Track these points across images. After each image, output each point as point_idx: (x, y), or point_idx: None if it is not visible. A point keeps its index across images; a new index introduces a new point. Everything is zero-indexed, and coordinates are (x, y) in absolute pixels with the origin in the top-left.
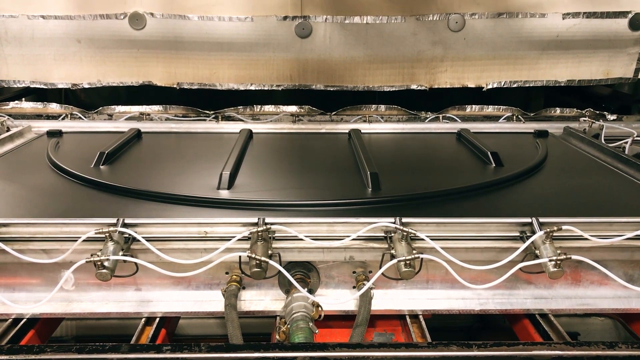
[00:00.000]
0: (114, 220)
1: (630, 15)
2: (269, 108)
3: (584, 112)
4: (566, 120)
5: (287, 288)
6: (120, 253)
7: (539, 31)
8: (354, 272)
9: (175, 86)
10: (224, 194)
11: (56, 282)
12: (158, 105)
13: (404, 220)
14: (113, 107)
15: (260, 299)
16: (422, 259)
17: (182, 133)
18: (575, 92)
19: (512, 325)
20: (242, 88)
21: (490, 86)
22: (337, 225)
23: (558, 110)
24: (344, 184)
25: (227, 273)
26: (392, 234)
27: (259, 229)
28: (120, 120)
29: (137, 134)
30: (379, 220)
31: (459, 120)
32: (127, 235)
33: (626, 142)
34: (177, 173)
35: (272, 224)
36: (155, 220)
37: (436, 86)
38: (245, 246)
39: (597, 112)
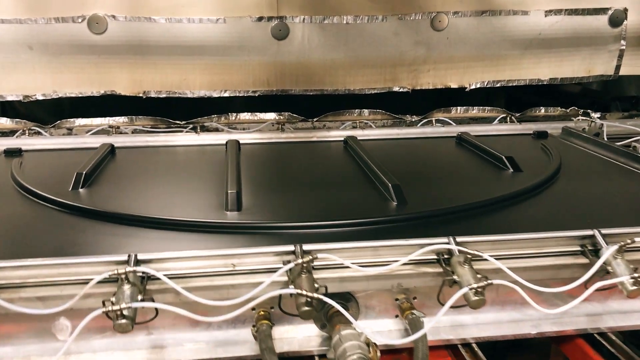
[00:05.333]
0: (123, 257)
1: (610, 12)
2: (245, 116)
3: (568, 110)
4: (553, 120)
5: (324, 322)
6: (140, 297)
7: (521, 29)
8: (396, 300)
9: (141, 95)
10: (235, 216)
11: (49, 332)
12: (123, 117)
13: (459, 239)
14: (72, 120)
15: (292, 337)
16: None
17: (161, 147)
18: (541, 90)
19: (561, 346)
20: (215, 95)
21: (473, 86)
22: (383, 249)
23: (542, 110)
24: (362, 199)
25: (253, 309)
26: (448, 256)
27: (305, 259)
28: (87, 135)
29: (111, 150)
30: (432, 241)
31: (453, 124)
32: (141, 274)
33: (637, 141)
34: (170, 194)
35: (315, 251)
36: (173, 254)
37: (419, 88)
38: (278, 279)
39: (581, 110)
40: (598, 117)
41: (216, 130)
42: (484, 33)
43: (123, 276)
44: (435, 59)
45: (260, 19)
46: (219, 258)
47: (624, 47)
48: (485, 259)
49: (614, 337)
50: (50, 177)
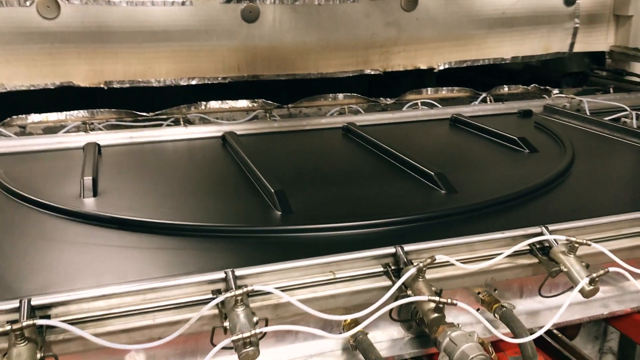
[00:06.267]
0: (219, 275)
1: None
2: (215, 104)
3: (529, 88)
4: (520, 98)
5: (411, 323)
6: (255, 319)
7: (486, 9)
8: (478, 293)
9: (102, 86)
10: (294, 219)
11: None
12: (82, 111)
13: (552, 227)
14: (23, 116)
15: (378, 341)
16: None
17: (149, 143)
18: (481, 67)
19: (614, 323)
20: (182, 83)
21: (441, 67)
22: (478, 244)
23: (506, 88)
24: (408, 191)
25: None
26: (540, 245)
27: (426, 262)
28: (60, 134)
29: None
30: (527, 232)
31: (439, 105)
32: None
33: (625, 116)
34: (198, 197)
35: (417, 251)
36: (272, 267)
37: (390, 70)
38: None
39: (542, 87)
40: (557, 93)
41: (202, 122)
42: (451, 13)
43: (239, 298)
44: (406, 40)
45: (229, 1)
46: (317, 267)
47: (577, 25)
48: (588, 245)
49: None
50: (43, 184)
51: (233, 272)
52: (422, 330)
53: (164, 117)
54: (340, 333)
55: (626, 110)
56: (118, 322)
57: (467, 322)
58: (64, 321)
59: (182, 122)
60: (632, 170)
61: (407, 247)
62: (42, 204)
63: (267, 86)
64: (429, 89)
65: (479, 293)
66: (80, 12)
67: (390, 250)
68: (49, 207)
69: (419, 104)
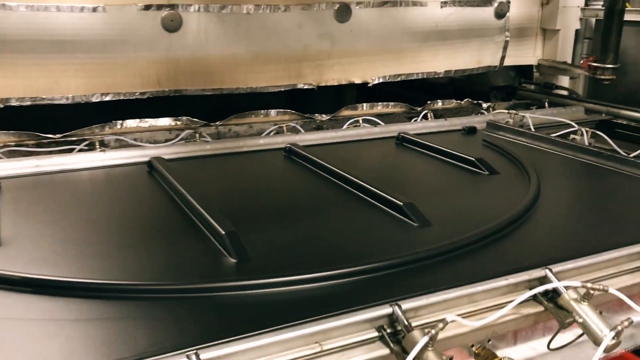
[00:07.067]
0: None
1: (495, 4)
2: (132, 123)
3: (462, 102)
4: (454, 113)
5: None
6: None
7: (420, 21)
8: (471, 346)
9: None
10: (254, 269)
11: None
12: None
13: (555, 269)
14: None
15: None
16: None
17: (59, 172)
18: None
19: None
20: (94, 100)
21: (376, 81)
22: (480, 294)
23: (440, 103)
24: (376, 226)
25: None
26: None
27: (439, 327)
28: None
29: None
30: (531, 276)
31: (382, 123)
32: None
33: (576, 134)
34: (131, 243)
35: (414, 309)
36: (242, 346)
37: (324, 84)
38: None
39: (475, 102)
40: (488, 107)
41: (119, 143)
42: (385, 25)
43: None
44: (340, 54)
45: (147, 7)
46: (300, 339)
47: (508, 39)
48: (605, 291)
49: None
50: None
51: (198, 356)
52: None
53: (74, 139)
54: None
55: (574, 126)
56: None
57: None
58: None
59: (97, 146)
60: (603, 191)
61: (405, 305)
62: None
63: (189, 102)
64: (365, 104)
65: (472, 346)
66: None
67: (386, 310)
68: None
69: (360, 121)
